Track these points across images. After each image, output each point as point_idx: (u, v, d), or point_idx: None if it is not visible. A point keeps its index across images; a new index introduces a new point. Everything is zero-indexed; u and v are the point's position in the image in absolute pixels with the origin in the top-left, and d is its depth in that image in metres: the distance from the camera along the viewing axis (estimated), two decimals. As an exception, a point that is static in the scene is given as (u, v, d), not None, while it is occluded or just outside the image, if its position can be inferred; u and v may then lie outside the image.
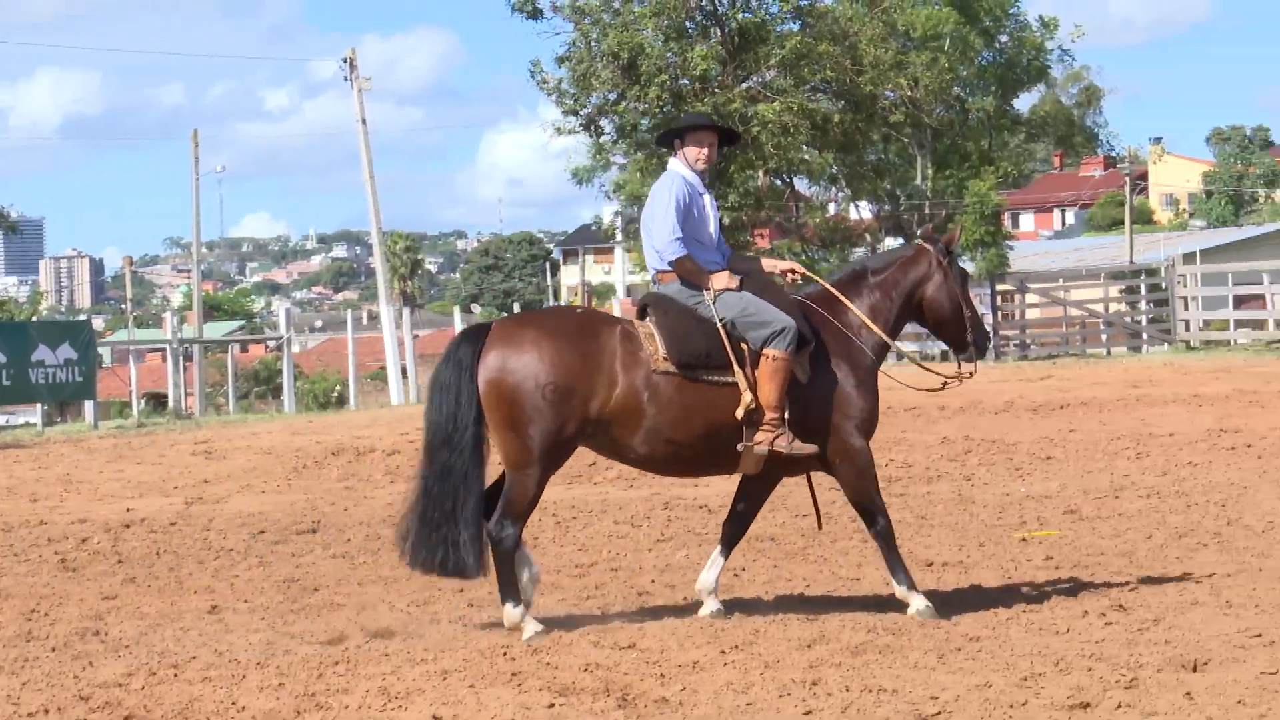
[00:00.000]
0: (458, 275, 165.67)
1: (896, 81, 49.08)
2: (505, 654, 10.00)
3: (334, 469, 22.52)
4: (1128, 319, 48.86)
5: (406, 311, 52.64)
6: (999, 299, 46.91)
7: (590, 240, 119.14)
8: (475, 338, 11.21)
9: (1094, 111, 71.85)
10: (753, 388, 11.10)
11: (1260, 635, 9.94)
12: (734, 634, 10.48)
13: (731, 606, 11.45)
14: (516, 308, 68.47)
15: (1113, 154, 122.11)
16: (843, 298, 11.63)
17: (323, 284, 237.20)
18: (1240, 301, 48.77)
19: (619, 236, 56.65)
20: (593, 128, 47.61)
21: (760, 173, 50.49)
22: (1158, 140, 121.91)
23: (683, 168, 11.59)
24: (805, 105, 46.21)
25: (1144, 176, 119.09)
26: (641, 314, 11.54)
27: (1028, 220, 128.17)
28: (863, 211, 56.18)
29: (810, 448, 11.23)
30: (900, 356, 12.89)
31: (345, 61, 48.96)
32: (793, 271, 11.99)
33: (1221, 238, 78.07)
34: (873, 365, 11.63)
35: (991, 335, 12.60)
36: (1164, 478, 18.00)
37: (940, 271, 11.91)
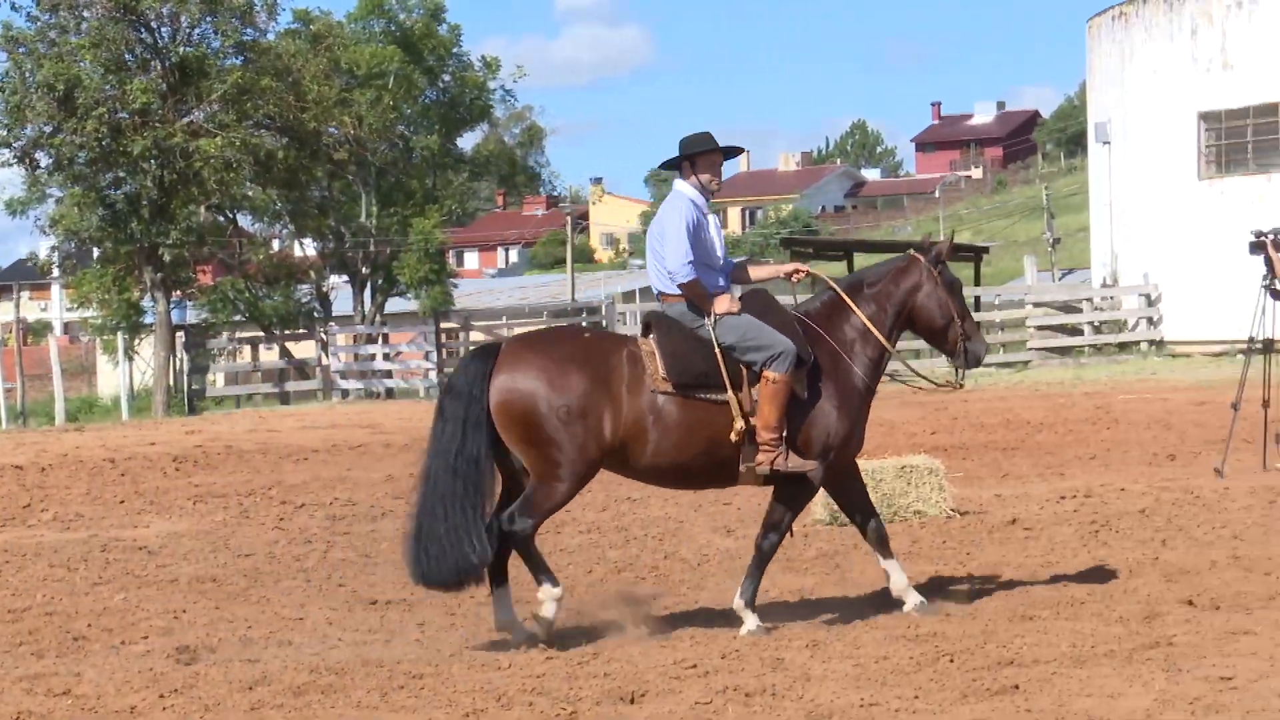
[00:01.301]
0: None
1: (340, 119, 48.99)
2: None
3: None
4: (569, 356, 49.77)
5: None
6: (443, 337, 47.23)
7: (27, 275, 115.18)
8: (484, 358, 11.42)
9: (536, 151, 73.32)
10: (747, 411, 11.40)
11: (695, 666, 10.24)
12: (173, 678, 10.27)
13: (182, 649, 11.20)
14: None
15: (555, 193, 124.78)
16: (850, 303, 11.94)
17: None
18: (676, 339, 50.19)
19: (56, 272, 54.85)
20: (28, 160, 46.10)
21: (202, 208, 49.74)
22: (598, 180, 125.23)
23: (690, 190, 11.81)
24: (248, 140, 45.71)
25: (585, 216, 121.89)
26: (645, 332, 11.79)
27: (472, 258, 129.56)
28: (307, 248, 55.86)
29: (810, 464, 11.52)
30: (890, 377, 12.98)
31: None
32: (798, 272, 12.23)
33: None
34: (861, 386, 11.85)
35: (987, 345, 12.76)
36: (604, 513, 18.37)
37: (931, 281, 12.18)
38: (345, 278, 54.65)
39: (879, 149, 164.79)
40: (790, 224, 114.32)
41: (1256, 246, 19.63)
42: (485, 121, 60.33)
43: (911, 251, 12.38)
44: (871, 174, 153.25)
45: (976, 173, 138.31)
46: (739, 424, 11.38)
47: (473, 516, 11.22)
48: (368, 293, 53.80)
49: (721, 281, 11.85)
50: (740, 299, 11.76)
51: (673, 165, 12.02)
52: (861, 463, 13.63)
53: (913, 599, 11.94)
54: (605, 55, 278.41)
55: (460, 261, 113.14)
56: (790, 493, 11.78)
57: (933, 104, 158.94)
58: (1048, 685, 9.46)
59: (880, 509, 16.00)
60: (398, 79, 52.38)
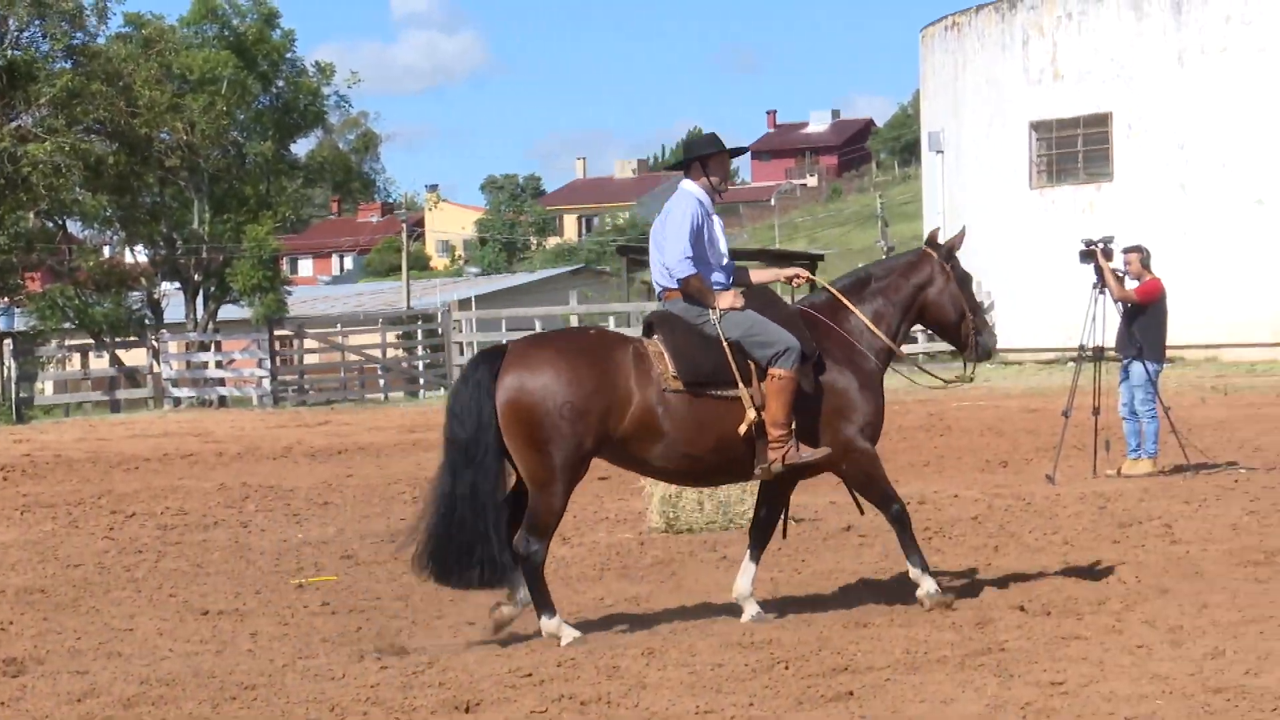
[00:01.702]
0: None
1: (172, 124, 48.52)
2: None
3: None
4: (405, 364, 49.61)
5: None
6: (277, 344, 46.84)
7: None
8: (492, 359, 11.46)
9: (371, 158, 72.89)
10: (759, 405, 11.47)
11: (531, 675, 10.20)
12: (0, 690, 10.10)
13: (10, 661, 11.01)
14: None
15: (390, 200, 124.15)
16: (847, 303, 12.05)
17: None
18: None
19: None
20: None
21: (31, 214, 49.02)
22: (434, 187, 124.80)
23: (697, 189, 11.88)
24: (78, 146, 45.18)
25: (421, 223, 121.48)
26: (648, 331, 11.83)
27: (306, 265, 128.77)
28: (139, 255, 55.20)
29: (822, 451, 11.64)
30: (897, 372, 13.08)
31: None
32: (798, 277, 12.29)
33: (495, 284, 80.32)
34: (876, 369, 12.02)
35: (996, 339, 13.02)
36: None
37: (943, 275, 12.30)
38: (177, 285, 54.11)
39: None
40: (627, 231, 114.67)
41: (1087, 255, 19.94)
42: (319, 127, 60.04)
43: (924, 246, 12.49)
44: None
45: (812, 181, 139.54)
46: (751, 414, 11.49)
47: (493, 519, 11.35)
48: (200, 300, 53.28)
49: (725, 279, 11.93)
50: (743, 294, 11.85)
51: (680, 166, 12.14)
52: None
53: (750, 610, 11.97)
54: (442, 61, 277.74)
55: (294, 269, 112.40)
56: (855, 473, 11.95)
57: (768, 112, 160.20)
58: (882, 691, 9.52)
59: (715, 517, 16.06)
60: (231, 84, 51.94)
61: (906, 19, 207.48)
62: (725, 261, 11.97)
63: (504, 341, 12.31)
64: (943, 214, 49.36)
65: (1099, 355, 20.20)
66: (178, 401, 45.95)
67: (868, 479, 12.02)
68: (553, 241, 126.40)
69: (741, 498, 16.84)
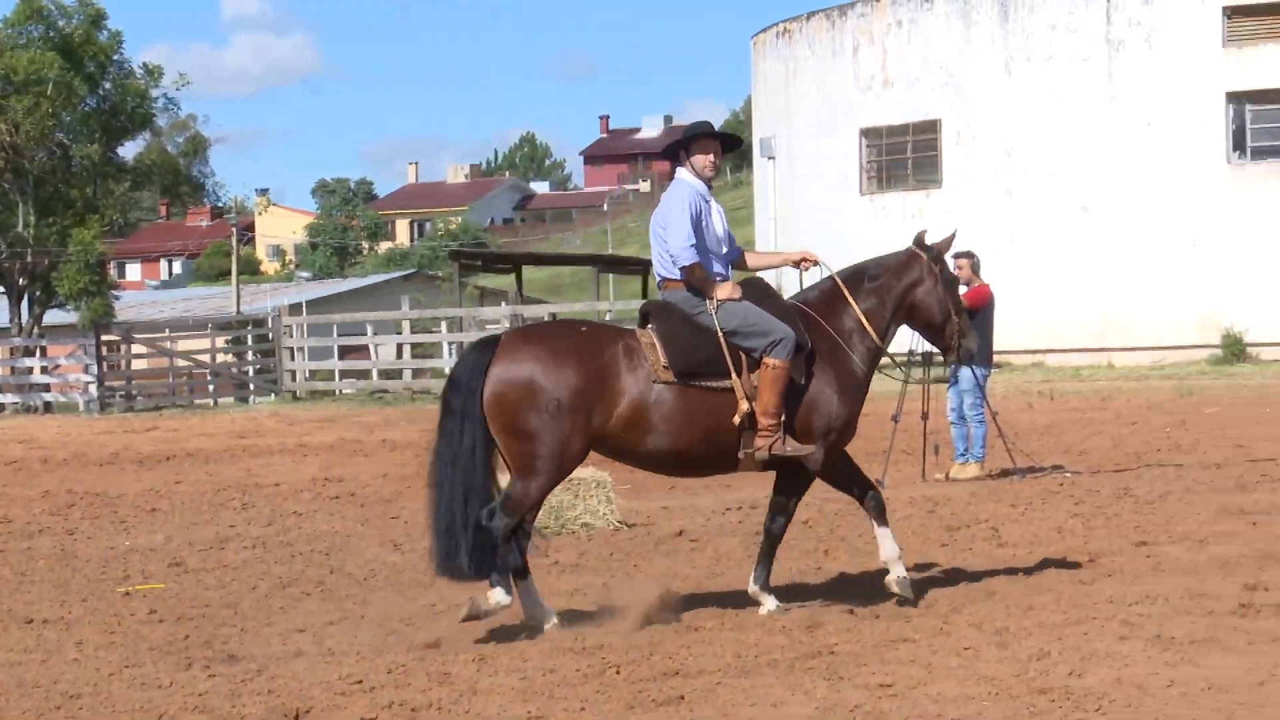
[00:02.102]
0: None
1: (-5, 125, 47.74)
2: None
3: None
4: (235, 369, 49.16)
5: None
6: (104, 349, 46.18)
7: None
8: (483, 351, 11.63)
9: (201, 161, 72.20)
10: (751, 395, 11.59)
11: (361, 681, 10.16)
12: None
13: None
14: None
15: (220, 204, 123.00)
16: (848, 295, 12.13)
17: None
18: (345, 352, 49.99)
19: None
20: None
21: None
22: (264, 191, 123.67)
23: (691, 177, 12.03)
24: (-104, 146, 44.30)
25: (251, 227, 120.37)
26: (643, 321, 11.96)
27: (135, 270, 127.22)
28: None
29: (808, 449, 11.76)
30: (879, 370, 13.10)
31: None
32: (805, 260, 12.40)
33: (327, 289, 79.78)
34: (860, 372, 12.06)
35: (977, 341, 13.18)
36: (269, 528, 18.17)
37: (931, 277, 12.36)
38: (1, 289, 53.18)
39: (548, 162, 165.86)
40: (460, 236, 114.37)
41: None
42: (147, 130, 59.22)
43: (912, 247, 12.51)
44: (540, 187, 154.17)
45: (644, 186, 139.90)
46: (744, 405, 11.59)
47: (479, 509, 11.46)
48: (25, 304, 52.41)
49: (723, 268, 12.05)
50: (739, 285, 11.94)
51: (670, 155, 12.25)
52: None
53: (897, 570, 12.13)
54: (272, 64, 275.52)
55: (122, 273, 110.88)
56: (792, 479, 12.08)
57: (601, 117, 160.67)
58: (712, 695, 9.58)
59: (548, 522, 16.09)
60: (57, 86, 51.12)
61: (739, 26, 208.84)
62: (725, 250, 12.12)
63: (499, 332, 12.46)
64: (774, 220, 49.77)
65: (928, 360, 20.45)
66: (2, 407, 45.20)
67: (798, 486, 12.18)
68: (385, 246, 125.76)
69: (573, 502, 16.88)
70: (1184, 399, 30.63)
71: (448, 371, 11.85)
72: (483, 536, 11.43)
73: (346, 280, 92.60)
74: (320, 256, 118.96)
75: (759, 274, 12.46)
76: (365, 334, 47.51)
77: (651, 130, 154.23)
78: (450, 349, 44.71)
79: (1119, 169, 43.79)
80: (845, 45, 47.93)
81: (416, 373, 46.25)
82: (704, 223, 11.96)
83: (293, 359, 46.46)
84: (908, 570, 12.39)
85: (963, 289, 20.36)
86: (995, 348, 20.94)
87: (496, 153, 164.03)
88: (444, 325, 46.31)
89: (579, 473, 17.35)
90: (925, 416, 20.30)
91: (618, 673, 10.19)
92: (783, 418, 11.70)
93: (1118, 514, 16.53)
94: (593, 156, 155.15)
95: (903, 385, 20.85)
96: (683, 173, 12.10)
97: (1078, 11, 44.63)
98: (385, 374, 46.56)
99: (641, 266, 52.30)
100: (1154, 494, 17.90)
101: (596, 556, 15.28)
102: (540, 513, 13.24)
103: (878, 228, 45.36)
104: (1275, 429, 25.35)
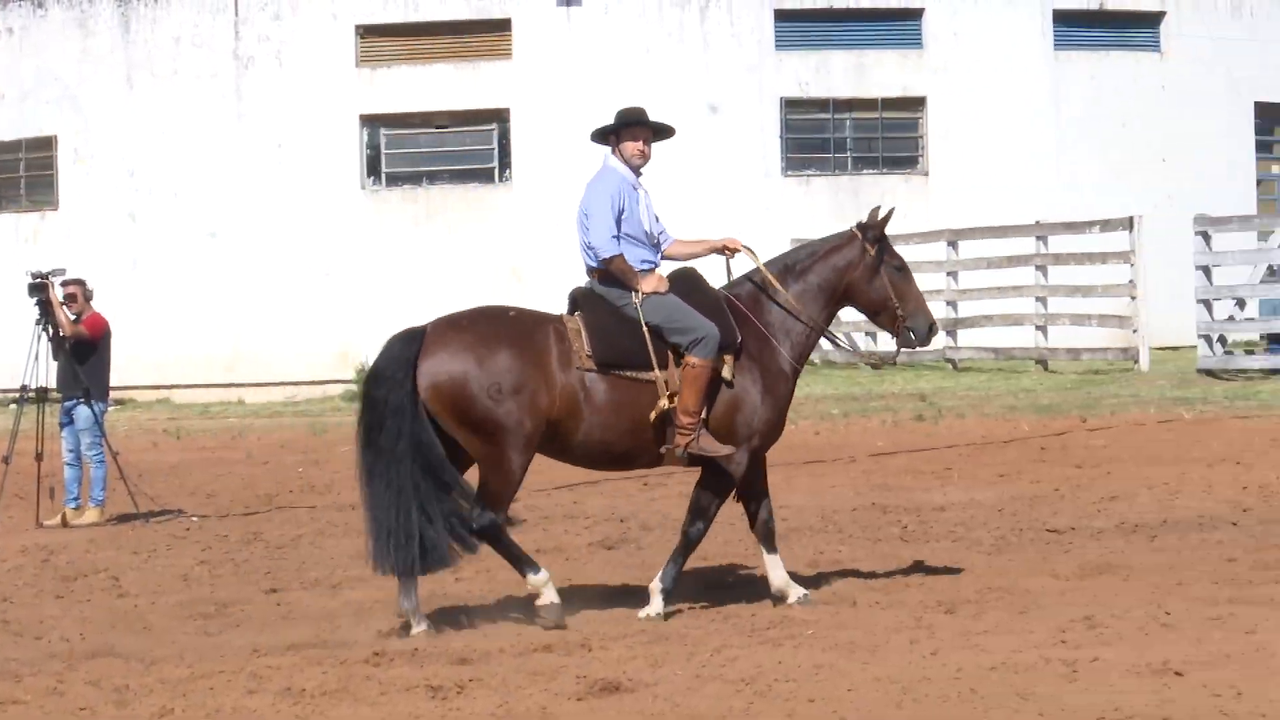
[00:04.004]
0: None
1: None
2: None
3: None
4: None
5: None
6: None
7: None
8: (409, 342, 11.86)
9: None
10: (672, 391, 11.89)
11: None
12: None
13: None
14: None
15: None
16: (777, 284, 12.37)
17: None
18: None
19: None
20: None
21: None
22: None
23: (618, 164, 12.32)
24: None
25: None
26: (572, 308, 12.27)
27: None
28: None
29: (726, 449, 12.02)
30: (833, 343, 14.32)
31: None
32: (728, 246, 12.60)
33: None
34: (786, 371, 12.31)
35: (935, 323, 12.98)
36: None
37: (866, 258, 12.52)
38: None
39: None
40: None
41: (38, 288, 19.71)
42: None
43: (853, 228, 12.75)
44: None
45: None
46: (663, 402, 11.92)
47: (434, 503, 11.78)
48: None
49: (652, 256, 12.39)
50: (668, 278, 12.26)
51: (600, 140, 12.53)
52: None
53: (795, 593, 12.40)
54: None
55: None
56: (714, 479, 12.34)
57: None
58: None
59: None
60: None
61: None
62: (658, 236, 12.47)
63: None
64: None
65: (43, 396, 20.02)
66: None
67: (722, 484, 12.38)
68: None
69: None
70: (318, 436, 31.08)
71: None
72: (433, 533, 11.76)
73: None
74: None
75: (689, 264, 12.71)
76: None
77: None
78: None
79: (249, 192, 44.04)
80: (-49, 51, 46.49)
81: None
82: (630, 210, 12.27)
83: None
84: None
85: (74, 318, 20.05)
86: (115, 382, 20.72)
87: None
88: None
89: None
90: (39, 457, 19.84)
91: None
92: (703, 415, 12.03)
93: (247, 559, 16.64)
94: None
95: (15, 424, 20.41)
96: (611, 159, 12.43)
97: (204, 25, 44.67)
98: None
99: None
100: (286, 538, 18.07)
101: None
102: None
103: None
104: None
